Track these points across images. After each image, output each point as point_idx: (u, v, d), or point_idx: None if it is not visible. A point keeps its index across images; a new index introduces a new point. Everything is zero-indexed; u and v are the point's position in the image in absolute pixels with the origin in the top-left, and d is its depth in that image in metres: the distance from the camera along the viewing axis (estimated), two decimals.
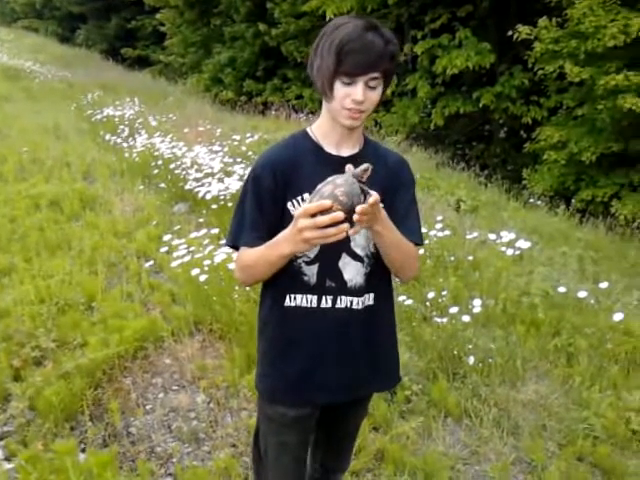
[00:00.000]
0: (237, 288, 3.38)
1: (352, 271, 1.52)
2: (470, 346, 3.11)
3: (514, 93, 10.41)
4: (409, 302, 3.42)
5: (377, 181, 1.52)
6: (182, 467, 2.43)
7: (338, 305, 1.52)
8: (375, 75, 1.38)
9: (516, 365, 3.05)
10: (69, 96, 13.27)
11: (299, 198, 1.47)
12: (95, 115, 10.01)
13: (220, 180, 5.20)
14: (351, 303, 1.53)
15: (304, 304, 1.52)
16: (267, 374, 1.64)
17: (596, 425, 2.68)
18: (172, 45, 19.01)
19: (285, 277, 1.50)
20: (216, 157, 6.28)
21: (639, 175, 8.36)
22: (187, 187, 5.53)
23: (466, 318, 3.22)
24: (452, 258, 4.17)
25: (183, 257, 3.65)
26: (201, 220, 4.91)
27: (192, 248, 3.75)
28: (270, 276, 1.50)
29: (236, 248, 1.55)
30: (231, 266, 3.35)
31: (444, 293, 3.57)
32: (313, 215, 1.23)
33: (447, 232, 4.49)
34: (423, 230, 1.65)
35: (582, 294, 3.58)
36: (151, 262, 4.26)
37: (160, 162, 6.56)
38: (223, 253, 3.53)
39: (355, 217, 1.24)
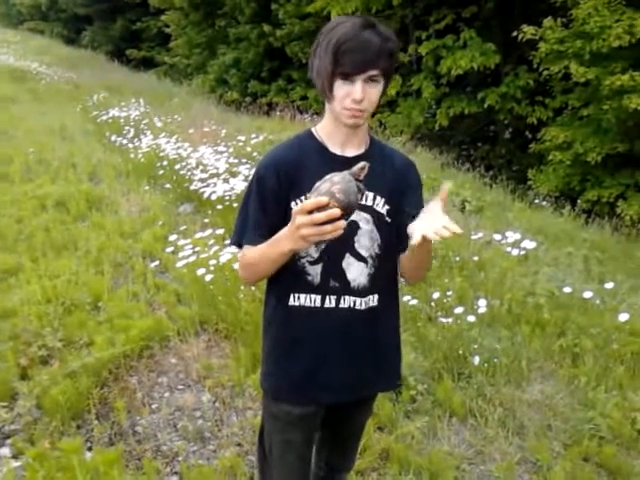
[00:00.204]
0: (242, 288, 3.39)
1: (355, 272, 1.52)
2: (475, 346, 3.11)
3: (519, 93, 10.39)
4: (414, 302, 3.43)
5: (383, 182, 1.53)
6: (188, 466, 2.44)
7: (341, 305, 1.53)
8: (373, 73, 1.38)
9: (521, 365, 3.05)
10: (75, 97, 13.32)
11: (303, 198, 1.47)
12: (101, 116, 10.04)
13: (225, 181, 5.22)
14: (354, 303, 1.53)
15: (308, 304, 1.52)
16: (272, 373, 1.64)
17: (602, 425, 2.68)
18: (177, 46, 19.07)
19: (289, 277, 1.51)
20: (221, 158, 6.29)
21: None
22: (192, 187, 5.55)
23: (471, 318, 3.22)
24: (457, 258, 4.17)
25: (189, 257, 3.66)
26: (206, 220, 4.93)
27: (197, 248, 3.76)
28: (273, 274, 1.50)
29: (240, 247, 1.56)
30: (236, 266, 3.36)
31: (449, 293, 3.57)
32: (310, 212, 1.24)
33: None
34: None
35: (588, 294, 3.58)
36: (157, 262, 4.28)
37: (165, 163, 6.58)
38: (228, 253, 3.54)
39: (432, 236, 1.27)
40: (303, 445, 1.70)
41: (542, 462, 2.52)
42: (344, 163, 1.49)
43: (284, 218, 1.44)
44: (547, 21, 8.64)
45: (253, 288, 3.31)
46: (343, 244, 1.48)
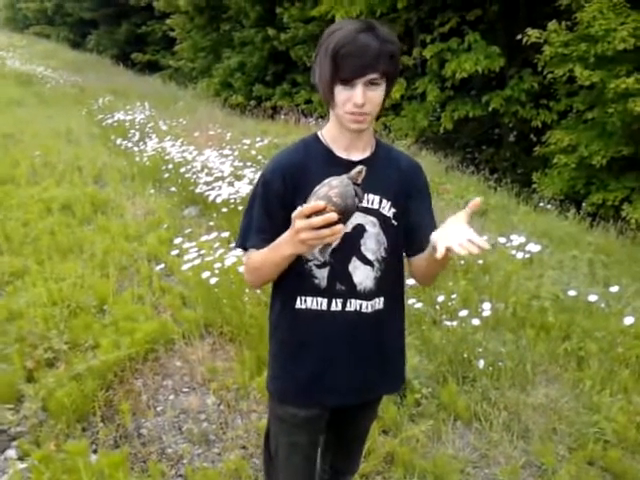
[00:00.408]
0: (247, 291, 3.39)
1: (361, 275, 1.52)
2: (480, 349, 3.10)
3: (524, 97, 10.38)
4: (419, 305, 3.43)
5: (389, 185, 1.53)
6: (192, 468, 2.45)
7: (348, 308, 1.53)
8: (373, 76, 1.38)
9: (526, 369, 3.05)
10: (80, 101, 13.38)
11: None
12: (106, 119, 10.08)
13: (230, 184, 5.23)
14: (360, 307, 1.54)
15: (314, 307, 1.53)
16: (278, 376, 1.65)
17: (607, 429, 2.67)
18: (182, 50, 19.13)
19: (296, 280, 1.51)
20: (226, 161, 6.31)
21: None
22: (197, 191, 5.56)
23: (476, 321, 3.22)
24: (462, 262, 4.17)
25: (194, 260, 3.67)
26: (211, 223, 4.94)
27: (203, 251, 3.77)
28: (277, 277, 1.51)
29: (245, 250, 1.57)
30: (241, 269, 3.37)
31: (454, 296, 3.57)
32: (309, 216, 1.24)
33: None
34: None
35: (592, 298, 3.57)
36: (162, 265, 4.29)
37: (171, 166, 6.60)
38: (233, 256, 3.55)
39: (458, 250, 1.22)
40: (309, 447, 1.71)
41: (547, 466, 2.52)
42: (350, 167, 1.49)
43: (289, 222, 1.45)
44: (552, 24, 8.63)
45: (258, 291, 3.32)
46: (349, 247, 1.49)
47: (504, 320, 3.49)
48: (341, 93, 1.40)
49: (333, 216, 1.22)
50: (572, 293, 3.63)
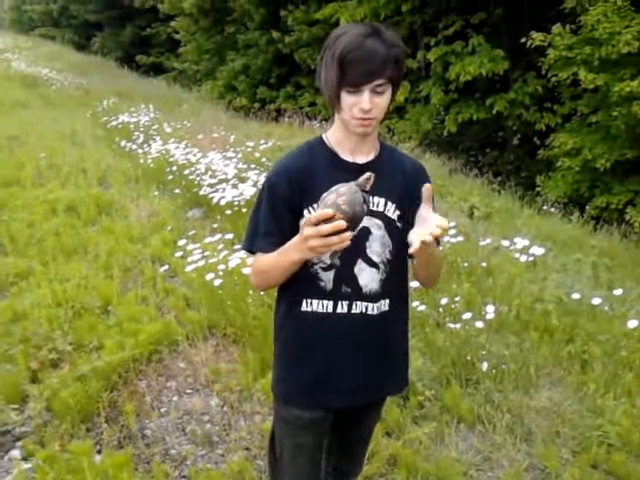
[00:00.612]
0: (251, 292, 3.40)
1: (367, 277, 1.53)
2: (483, 352, 3.10)
3: (528, 100, 10.39)
4: (422, 308, 3.43)
5: (394, 187, 1.54)
6: (196, 470, 2.45)
7: (354, 311, 1.54)
8: (380, 82, 1.38)
9: (529, 372, 3.04)
10: (85, 103, 13.42)
11: (315, 205, 1.48)
12: (110, 122, 10.11)
13: (234, 186, 5.24)
14: (366, 309, 1.54)
15: (320, 309, 1.53)
16: (283, 378, 1.66)
17: (610, 433, 2.67)
18: (186, 52, 19.20)
19: (301, 282, 1.52)
20: (230, 163, 6.32)
21: None
22: (201, 193, 5.58)
23: (479, 324, 3.22)
24: (465, 264, 4.17)
25: (197, 262, 3.68)
26: (215, 225, 4.95)
27: (206, 253, 3.78)
28: (284, 281, 1.52)
29: (252, 253, 1.58)
30: (245, 271, 3.38)
31: (457, 299, 3.57)
32: (317, 224, 1.25)
33: (460, 238, 4.49)
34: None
35: (596, 301, 3.56)
36: (166, 267, 4.29)
37: (175, 168, 6.62)
38: (237, 258, 3.56)
39: (428, 238, 1.26)
40: (314, 449, 1.71)
41: (550, 469, 2.51)
42: (355, 170, 1.50)
43: (297, 225, 1.45)
44: (556, 27, 8.65)
45: (262, 293, 3.32)
46: (355, 250, 1.50)
47: (508, 323, 3.48)
48: (347, 98, 1.40)
49: (342, 224, 1.23)
50: (576, 296, 3.63)
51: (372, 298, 1.54)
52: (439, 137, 11.91)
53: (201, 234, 4.76)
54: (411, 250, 1.30)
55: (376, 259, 1.53)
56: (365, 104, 1.38)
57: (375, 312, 1.55)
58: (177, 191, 6.22)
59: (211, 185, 5.51)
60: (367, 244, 1.52)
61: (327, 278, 1.52)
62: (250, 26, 15.86)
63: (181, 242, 4.31)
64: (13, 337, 3.28)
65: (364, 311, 1.54)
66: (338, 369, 1.57)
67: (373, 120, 1.43)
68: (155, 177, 6.83)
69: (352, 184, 1.28)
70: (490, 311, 3.36)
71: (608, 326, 3.45)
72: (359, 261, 1.52)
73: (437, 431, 2.70)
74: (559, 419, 2.78)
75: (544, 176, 9.55)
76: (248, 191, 4.89)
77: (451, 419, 2.79)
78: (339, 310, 1.53)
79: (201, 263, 3.67)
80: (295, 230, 1.43)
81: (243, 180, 5.56)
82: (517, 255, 4.24)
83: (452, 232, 4.45)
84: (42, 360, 3.07)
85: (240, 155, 7.06)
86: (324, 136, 1.57)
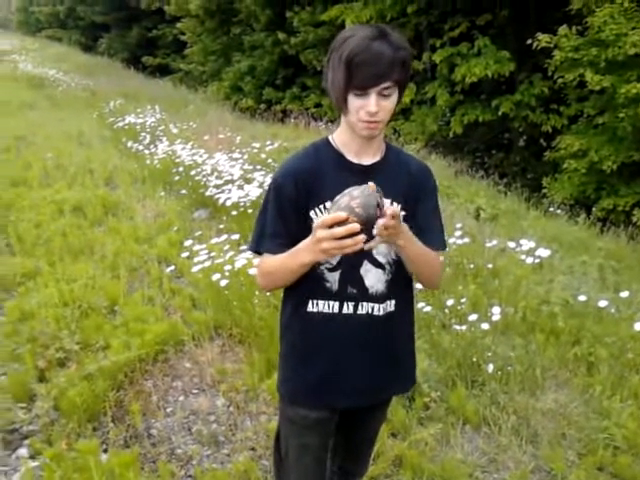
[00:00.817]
0: (257, 293, 3.41)
1: (373, 278, 1.54)
2: (489, 354, 3.10)
3: (534, 101, 10.36)
4: (428, 309, 3.43)
5: (399, 188, 1.55)
6: (202, 469, 2.46)
7: (359, 311, 1.54)
8: (387, 84, 1.38)
9: (535, 373, 3.04)
10: (92, 104, 13.48)
11: (321, 206, 1.50)
12: (117, 122, 10.15)
13: (240, 187, 5.26)
14: (372, 309, 1.55)
15: (326, 310, 1.54)
16: (289, 378, 1.66)
17: (617, 435, 2.66)
18: (192, 54, 19.24)
19: (307, 283, 1.52)
20: (236, 164, 6.33)
21: None
22: (207, 193, 5.59)
23: (485, 326, 3.21)
24: (471, 266, 4.17)
25: (204, 262, 3.69)
26: (221, 226, 4.96)
27: (213, 253, 3.79)
28: (291, 283, 1.53)
29: (259, 254, 1.58)
30: (251, 271, 3.39)
31: (463, 300, 3.57)
32: (331, 226, 1.26)
33: (466, 240, 4.49)
34: (445, 237, 1.67)
35: (603, 303, 3.55)
36: (172, 267, 4.31)
37: (181, 169, 6.64)
38: (243, 258, 3.57)
39: (375, 231, 1.26)
40: (319, 449, 1.72)
41: (556, 471, 2.51)
42: (361, 171, 1.51)
43: (303, 226, 1.46)
44: (562, 29, 8.62)
45: (268, 294, 3.33)
46: (361, 251, 1.50)
47: (513, 324, 3.48)
48: (354, 101, 1.41)
49: (356, 227, 1.24)
50: (582, 298, 3.62)
51: (378, 299, 1.55)
52: (445, 138, 11.89)
53: (207, 235, 4.78)
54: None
55: (382, 260, 1.54)
56: (372, 107, 1.39)
57: (381, 313, 1.56)
58: (183, 192, 6.24)
59: (217, 186, 5.52)
60: None
61: (333, 279, 1.52)
62: (256, 27, 15.88)
63: (187, 243, 4.32)
64: (21, 336, 3.31)
65: (370, 312, 1.55)
66: (344, 369, 1.58)
67: (379, 123, 1.44)
68: (161, 178, 6.85)
69: (365, 187, 1.28)
70: (496, 313, 3.35)
71: (615, 328, 3.44)
72: (365, 262, 1.52)
73: (443, 432, 2.70)
74: (565, 421, 2.78)
75: (550, 178, 9.52)
76: (254, 192, 4.90)
77: (457, 420, 2.79)
78: (345, 311, 1.54)
79: (207, 264, 3.68)
80: (301, 231, 1.43)
81: (249, 181, 5.57)
82: (523, 257, 4.23)
83: (458, 233, 4.45)
84: (49, 359, 3.08)
85: (246, 156, 7.08)
86: (330, 137, 1.57)
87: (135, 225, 5.33)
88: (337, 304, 1.54)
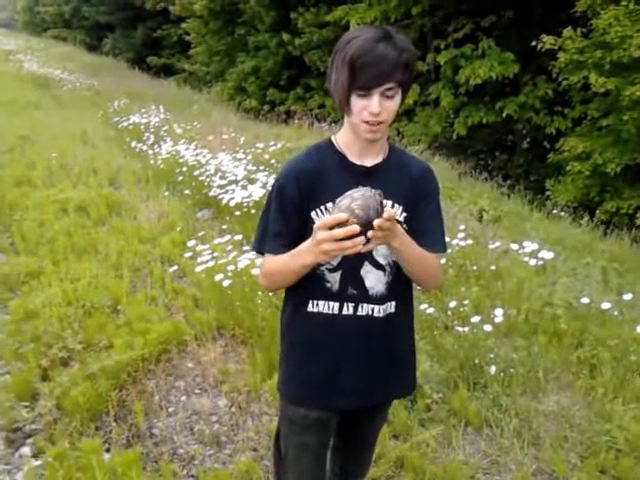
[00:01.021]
0: (260, 294, 3.41)
1: (374, 279, 1.54)
2: (491, 356, 3.10)
3: (538, 103, 10.35)
4: (430, 311, 3.43)
5: (401, 190, 1.55)
6: (204, 469, 2.46)
7: (359, 312, 1.54)
8: (390, 86, 1.38)
9: (538, 376, 3.04)
10: (96, 104, 13.52)
11: (322, 207, 1.50)
12: (121, 122, 10.18)
13: (244, 187, 5.26)
14: (372, 311, 1.55)
15: (326, 310, 1.54)
16: (288, 377, 1.67)
17: (619, 438, 2.65)
18: (197, 54, 19.29)
19: (308, 283, 1.52)
20: (240, 165, 6.35)
21: None
22: (211, 194, 5.60)
23: (488, 328, 3.21)
24: (474, 267, 4.17)
25: (207, 262, 3.70)
26: (225, 226, 4.97)
27: (216, 254, 3.80)
28: (293, 283, 1.53)
29: (261, 254, 1.59)
30: (254, 272, 3.40)
31: (466, 302, 3.57)
32: (331, 228, 1.26)
33: (469, 241, 4.49)
34: (445, 239, 1.67)
35: (605, 305, 3.55)
36: (175, 267, 4.32)
37: (185, 169, 6.65)
38: (246, 259, 3.58)
39: (370, 233, 1.27)
40: (319, 448, 1.72)
41: (558, 473, 2.51)
42: (363, 172, 1.52)
43: (305, 227, 1.46)
44: (567, 31, 8.61)
45: (270, 294, 3.33)
46: (359, 253, 1.51)
47: (516, 326, 3.48)
48: (357, 102, 1.41)
49: (355, 228, 1.24)
50: (585, 300, 3.62)
51: (378, 300, 1.55)
52: (448, 140, 11.89)
53: (210, 235, 4.79)
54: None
55: (382, 261, 1.54)
56: (374, 108, 1.39)
57: (381, 314, 1.56)
58: (187, 192, 6.25)
59: (221, 186, 5.53)
60: None
61: (334, 279, 1.53)
62: (260, 28, 15.91)
63: (190, 243, 4.33)
64: (24, 335, 3.32)
65: (370, 313, 1.55)
66: (344, 370, 1.58)
67: (382, 124, 1.44)
68: (165, 178, 6.86)
69: (367, 189, 1.29)
70: (499, 315, 3.35)
71: (617, 331, 3.44)
72: (365, 263, 1.53)
73: (444, 434, 2.70)
74: (567, 424, 2.77)
75: (554, 180, 9.51)
76: (257, 192, 4.91)
77: (458, 422, 2.78)
78: (345, 312, 1.54)
79: (210, 264, 3.69)
80: (303, 232, 1.44)
81: (252, 181, 5.58)
82: (526, 259, 4.23)
83: (461, 235, 4.45)
84: (52, 358, 3.09)
85: (250, 156, 7.09)
86: (333, 138, 1.58)
87: (139, 225, 5.34)
88: (337, 305, 1.54)
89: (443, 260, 3.96)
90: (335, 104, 1.50)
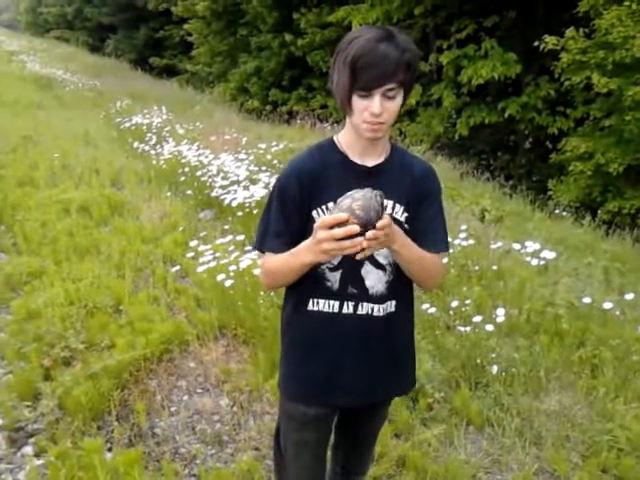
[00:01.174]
0: (262, 293, 3.42)
1: (374, 279, 1.54)
2: (493, 355, 3.10)
3: (540, 104, 10.35)
4: (432, 310, 3.43)
5: (402, 190, 1.55)
6: (206, 468, 2.47)
7: (359, 311, 1.55)
8: (391, 86, 1.38)
9: (539, 375, 3.04)
10: (99, 104, 13.55)
11: (324, 207, 1.50)
12: (124, 123, 10.19)
13: (246, 188, 5.27)
14: (372, 310, 1.55)
15: (326, 309, 1.55)
16: (288, 374, 1.68)
17: (620, 437, 2.65)
18: (199, 55, 19.33)
19: (309, 282, 1.53)
20: (242, 165, 6.35)
21: None
22: (213, 194, 5.60)
23: (489, 327, 3.21)
24: (476, 267, 4.17)
25: (209, 263, 3.70)
26: (227, 227, 4.97)
27: (218, 254, 3.80)
28: (293, 282, 1.54)
29: (262, 252, 1.59)
30: (256, 272, 3.40)
31: (468, 302, 3.57)
32: (331, 227, 1.27)
33: (471, 241, 4.49)
34: (448, 239, 1.67)
35: (607, 305, 3.54)
36: (177, 267, 4.32)
37: (187, 169, 6.65)
38: (248, 259, 3.58)
39: (367, 234, 1.27)
40: (318, 444, 1.73)
41: (559, 473, 2.51)
42: (364, 172, 1.52)
43: (306, 226, 1.47)
44: (569, 31, 8.62)
45: (272, 294, 3.34)
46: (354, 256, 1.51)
47: (518, 326, 3.48)
48: (358, 102, 1.41)
49: (355, 228, 1.25)
50: (587, 300, 3.61)
51: (378, 300, 1.55)
52: (450, 140, 11.90)
53: (212, 235, 4.79)
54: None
55: (383, 261, 1.54)
56: (375, 108, 1.39)
57: (381, 313, 1.56)
58: (189, 192, 6.26)
59: (223, 187, 5.53)
60: None
61: (334, 278, 1.53)
62: (263, 29, 15.93)
63: (192, 243, 4.34)
64: (27, 335, 3.32)
65: (370, 312, 1.55)
66: (344, 368, 1.59)
67: (383, 125, 1.44)
68: (167, 178, 6.87)
69: (368, 190, 1.29)
70: (500, 314, 3.35)
71: (619, 331, 3.43)
72: (366, 263, 1.53)
73: (446, 433, 2.70)
74: (569, 423, 2.77)
75: (556, 180, 9.51)
76: (259, 193, 4.91)
77: (460, 422, 2.79)
78: (345, 310, 1.55)
79: (212, 264, 3.69)
80: (304, 231, 1.44)
81: (254, 182, 5.58)
82: (528, 259, 4.23)
83: (463, 235, 4.45)
84: (55, 358, 3.10)
85: (252, 157, 7.09)
86: (335, 138, 1.58)
87: (141, 225, 5.34)
88: (337, 303, 1.55)
89: (445, 260, 3.97)
90: (337, 104, 1.50)
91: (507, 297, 3.76)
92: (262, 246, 1.57)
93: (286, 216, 1.52)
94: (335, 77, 1.45)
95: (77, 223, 5.25)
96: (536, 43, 8.98)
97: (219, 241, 4.19)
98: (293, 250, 1.45)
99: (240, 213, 4.87)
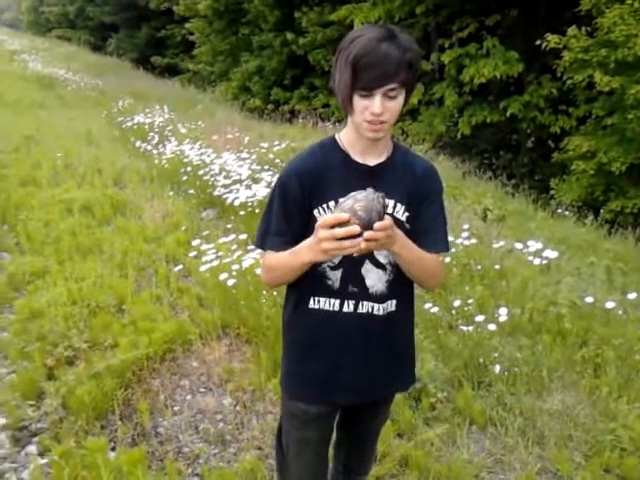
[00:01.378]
0: (264, 293, 3.42)
1: (374, 278, 1.55)
2: (496, 355, 3.10)
3: (542, 102, 10.34)
4: (435, 310, 3.43)
5: (403, 189, 1.55)
6: (209, 468, 2.48)
7: (360, 310, 1.55)
8: (392, 86, 1.37)
9: (542, 375, 3.04)
10: (100, 103, 13.55)
11: (325, 206, 1.50)
12: (126, 122, 10.19)
13: (248, 187, 5.27)
14: (372, 309, 1.56)
15: (327, 307, 1.56)
16: (289, 372, 1.69)
17: (623, 437, 2.65)
18: (201, 54, 19.33)
19: (309, 280, 1.53)
20: (244, 164, 6.35)
21: None
22: (215, 193, 5.61)
23: (492, 327, 3.21)
24: (478, 267, 4.17)
25: (211, 262, 3.71)
26: (229, 226, 4.98)
27: (220, 253, 3.81)
28: (293, 280, 1.54)
29: (264, 250, 1.60)
30: (258, 271, 3.40)
31: (470, 301, 3.57)
32: (332, 227, 1.27)
33: (473, 241, 4.48)
34: (449, 238, 1.67)
35: (610, 305, 3.54)
36: (180, 266, 4.33)
37: (189, 169, 6.66)
38: (251, 258, 3.59)
39: (366, 234, 1.27)
40: (319, 443, 1.74)
41: (562, 472, 2.51)
42: (366, 171, 1.52)
43: (307, 225, 1.47)
44: (571, 30, 8.60)
45: (275, 293, 3.34)
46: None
47: (520, 326, 3.48)
48: (360, 102, 1.41)
49: (355, 229, 1.25)
50: (589, 300, 3.61)
51: (378, 299, 1.56)
52: (453, 139, 11.89)
53: (215, 234, 4.80)
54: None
55: (383, 260, 1.55)
56: (376, 108, 1.39)
57: (381, 312, 1.57)
58: (191, 191, 6.26)
59: (225, 186, 5.54)
60: None
61: (335, 277, 1.54)
62: (264, 27, 15.93)
63: (195, 242, 4.34)
64: (30, 335, 3.33)
65: (370, 311, 1.56)
66: (344, 367, 1.59)
67: (384, 124, 1.43)
68: (170, 177, 6.88)
69: (370, 191, 1.29)
70: (503, 314, 3.35)
71: (622, 330, 3.43)
72: (366, 262, 1.53)
73: (449, 433, 2.71)
74: (571, 423, 2.77)
75: (558, 179, 9.50)
76: (262, 192, 4.92)
77: (463, 421, 2.79)
78: (345, 309, 1.55)
79: (215, 263, 3.69)
80: (305, 230, 1.44)
81: (257, 181, 5.59)
82: (530, 258, 4.23)
83: (465, 234, 4.45)
84: (58, 357, 3.11)
85: (254, 156, 7.09)
86: (337, 136, 1.58)
87: (143, 224, 5.35)
88: (338, 302, 1.55)
89: (447, 259, 3.97)
90: (338, 103, 1.50)
91: (509, 296, 3.76)
92: (263, 245, 1.57)
93: (287, 215, 1.53)
94: (337, 76, 1.45)
95: (80, 223, 5.25)
96: (538, 42, 8.97)
97: (221, 240, 4.20)
98: (294, 249, 1.45)
99: (242, 212, 4.88)
